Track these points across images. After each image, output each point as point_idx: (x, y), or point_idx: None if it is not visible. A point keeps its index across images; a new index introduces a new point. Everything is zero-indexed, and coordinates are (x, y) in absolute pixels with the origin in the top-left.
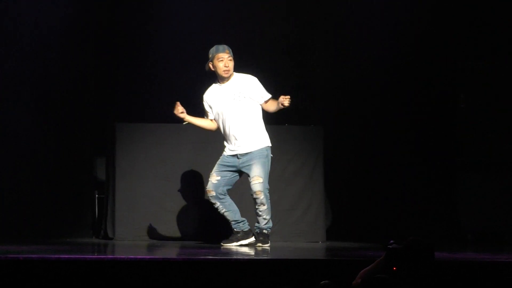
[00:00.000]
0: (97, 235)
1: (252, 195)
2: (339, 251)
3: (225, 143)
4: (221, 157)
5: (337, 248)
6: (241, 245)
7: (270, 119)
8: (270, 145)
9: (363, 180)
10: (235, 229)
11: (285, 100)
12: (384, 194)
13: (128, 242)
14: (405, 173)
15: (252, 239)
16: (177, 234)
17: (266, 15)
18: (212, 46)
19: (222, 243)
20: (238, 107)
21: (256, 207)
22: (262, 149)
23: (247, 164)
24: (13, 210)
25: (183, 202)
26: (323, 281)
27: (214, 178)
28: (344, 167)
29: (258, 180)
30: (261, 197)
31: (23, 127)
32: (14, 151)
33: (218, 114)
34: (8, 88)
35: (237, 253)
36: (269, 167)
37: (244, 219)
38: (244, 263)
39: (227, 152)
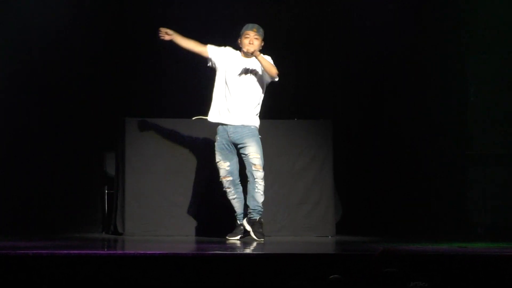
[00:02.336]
0: (107, 230)
1: (249, 172)
2: (348, 245)
3: (214, 109)
4: (216, 139)
5: (346, 242)
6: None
7: (280, 113)
8: (258, 125)
9: (373, 174)
10: (239, 221)
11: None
12: (394, 188)
13: (138, 238)
14: (415, 167)
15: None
16: (187, 229)
17: (272, 9)
18: (218, 41)
19: (227, 237)
20: (255, 82)
21: (255, 185)
22: (252, 128)
23: (240, 142)
24: (23, 206)
25: (192, 197)
26: (332, 275)
27: (225, 164)
28: (353, 161)
29: (256, 156)
30: (261, 171)
31: (33, 122)
32: (24, 146)
33: (226, 76)
34: (19, 84)
35: (247, 247)
36: (261, 146)
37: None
38: (254, 258)
39: (215, 119)
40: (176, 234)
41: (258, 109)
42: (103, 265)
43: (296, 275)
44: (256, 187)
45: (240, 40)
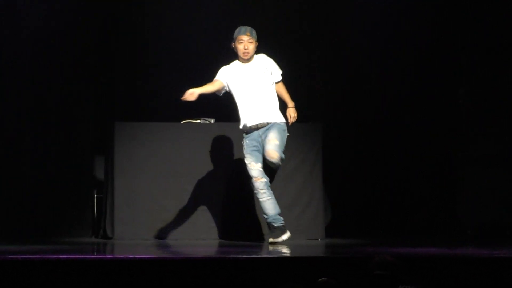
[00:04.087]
0: (96, 234)
1: (266, 158)
2: (338, 248)
3: (244, 118)
4: (245, 143)
5: (336, 245)
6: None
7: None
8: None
9: (363, 177)
10: (275, 224)
11: (291, 116)
12: (384, 190)
13: (127, 242)
14: (405, 169)
15: (288, 233)
16: (177, 233)
17: (265, 13)
18: (209, 45)
19: (270, 240)
20: (265, 82)
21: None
22: (281, 124)
23: (266, 134)
24: (12, 210)
25: (182, 201)
26: (321, 278)
27: (257, 166)
28: (343, 163)
29: (275, 142)
30: (277, 159)
31: (22, 126)
32: (13, 150)
33: (239, 89)
34: (7, 88)
35: (235, 251)
36: (285, 141)
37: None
38: (243, 261)
39: (248, 123)
40: (166, 238)
41: (278, 102)
42: (92, 269)
43: (286, 278)
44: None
45: (234, 45)
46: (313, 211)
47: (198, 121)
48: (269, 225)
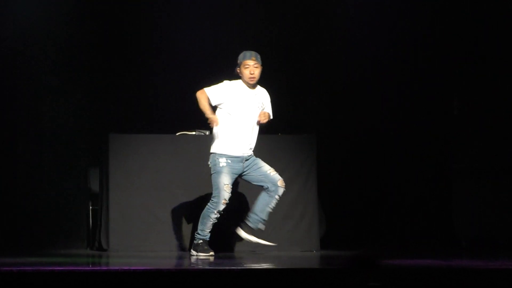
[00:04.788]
0: (91, 246)
1: (274, 186)
2: (333, 260)
3: (229, 142)
4: (226, 164)
5: (331, 256)
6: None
7: (263, 128)
8: None
9: (357, 188)
10: (196, 241)
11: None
12: (378, 201)
13: (122, 253)
14: (399, 181)
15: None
16: (171, 244)
17: (257, 23)
18: (203, 58)
19: (191, 251)
20: (256, 116)
21: (276, 199)
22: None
23: (252, 165)
24: (8, 222)
25: (177, 213)
26: None
27: (230, 190)
28: (337, 175)
29: (273, 170)
30: (283, 185)
31: (17, 138)
32: (7, 163)
33: (237, 112)
34: (1, 99)
35: (230, 262)
36: None
37: None
38: (238, 273)
39: (234, 153)
40: (161, 250)
41: None
42: (87, 281)
43: None
44: (273, 204)
45: (240, 70)
46: (308, 222)
47: (193, 133)
48: (197, 239)
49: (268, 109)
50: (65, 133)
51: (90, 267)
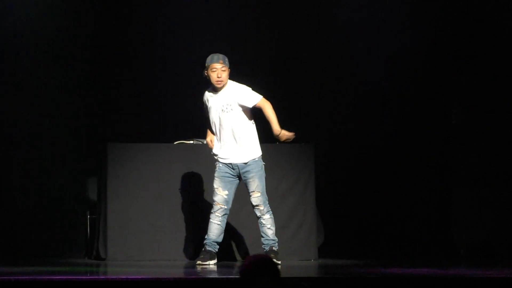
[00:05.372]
0: (90, 255)
1: (253, 207)
2: (331, 269)
3: (216, 149)
4: (217, 168)
5: (329, 265)
6: (212, 264)
7: (261, 137)
8: (261, 153)
9: (355, 198)
10: (207, 247)
11: (284, 136)
12: (376, 211)
13: (120, 263)
14: (397, 190)
15: (215, 260)
16: (170, 254)
17: (256, 32)
18: (202, 66)
19: (198, 262)
20: (228, 119)
21: (260, 219)
22: (255, 160)
23: (245, 176)
24: (5, 232)
25: (175, 222)
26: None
27: (223, 192)
28: (336, 184)
29: (257, 195)
30: (262, 207)
31: (14, 147)
32: (5, 172)
33: (211, 121)
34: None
35: (228, 271)
36: (264, 175)
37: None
38: (234, 282)
39: (220, 159)
40: (159, 259)
41: (252, 134)
42: None
43: None
44: (263, 221)
45: (207, 73)
46: (306, 231)
47: (191, 142)
48: (204, 246)
49: (244, 103)
50: (63, 142)
51: (88, 276)
